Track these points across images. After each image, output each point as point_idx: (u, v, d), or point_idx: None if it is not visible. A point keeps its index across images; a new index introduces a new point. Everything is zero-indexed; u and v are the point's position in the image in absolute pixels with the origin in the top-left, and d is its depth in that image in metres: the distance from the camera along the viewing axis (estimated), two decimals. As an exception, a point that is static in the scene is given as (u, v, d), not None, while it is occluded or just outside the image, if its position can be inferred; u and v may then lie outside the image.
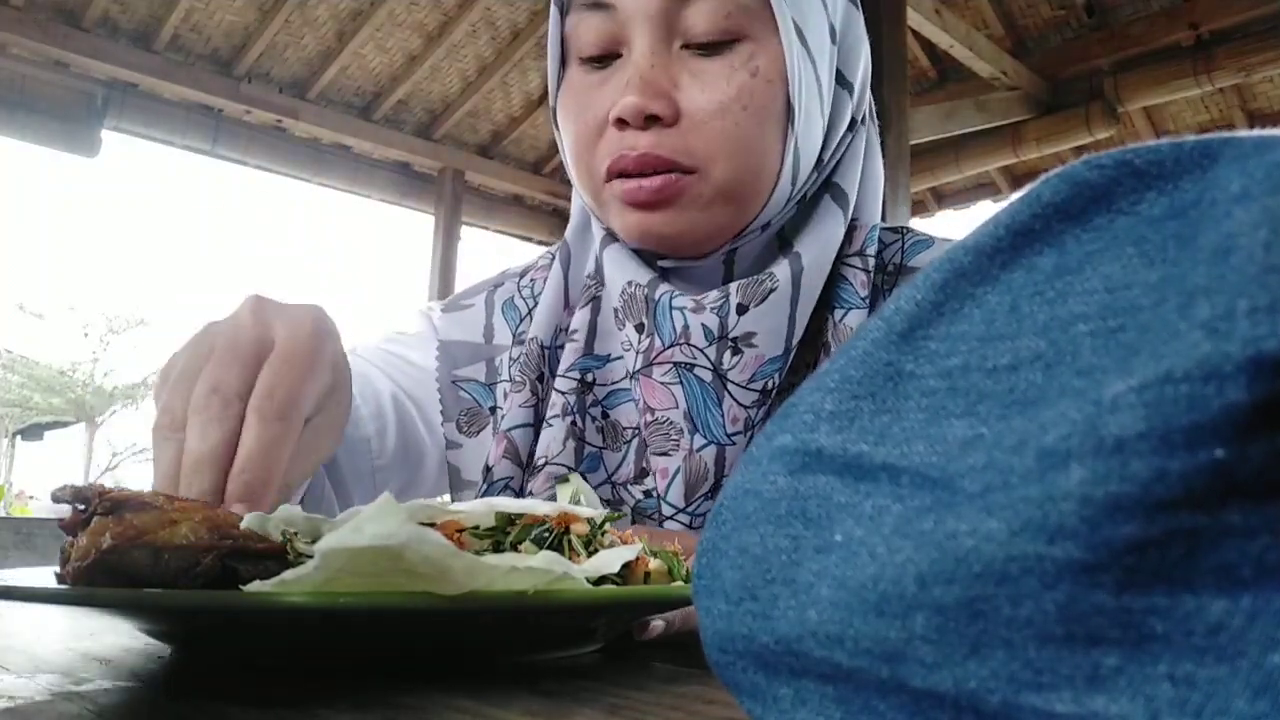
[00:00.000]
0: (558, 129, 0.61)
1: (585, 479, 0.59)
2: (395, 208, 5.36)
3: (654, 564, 0.38)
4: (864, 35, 0.62)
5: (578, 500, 0.51)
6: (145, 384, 15.04)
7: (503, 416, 0.62)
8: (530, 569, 0.30)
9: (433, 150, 5.00)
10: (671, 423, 0.57)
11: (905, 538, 0.15)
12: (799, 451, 0.19)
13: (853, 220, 0.62)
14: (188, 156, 4.78)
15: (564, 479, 0.57)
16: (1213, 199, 0.15)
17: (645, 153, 0.54)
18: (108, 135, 4.23)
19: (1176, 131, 4.13)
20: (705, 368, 0.57)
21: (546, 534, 0.37)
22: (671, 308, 0.57)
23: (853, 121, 0.62)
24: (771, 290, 0.57)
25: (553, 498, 0.56)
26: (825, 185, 0.61)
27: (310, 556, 0.30)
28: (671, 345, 0.57)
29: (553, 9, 0.61)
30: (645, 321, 0.58)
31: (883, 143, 0.69)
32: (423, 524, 0.33)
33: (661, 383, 0.57)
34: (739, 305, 0.56)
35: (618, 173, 0.56)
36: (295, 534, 0.34)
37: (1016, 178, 4.81)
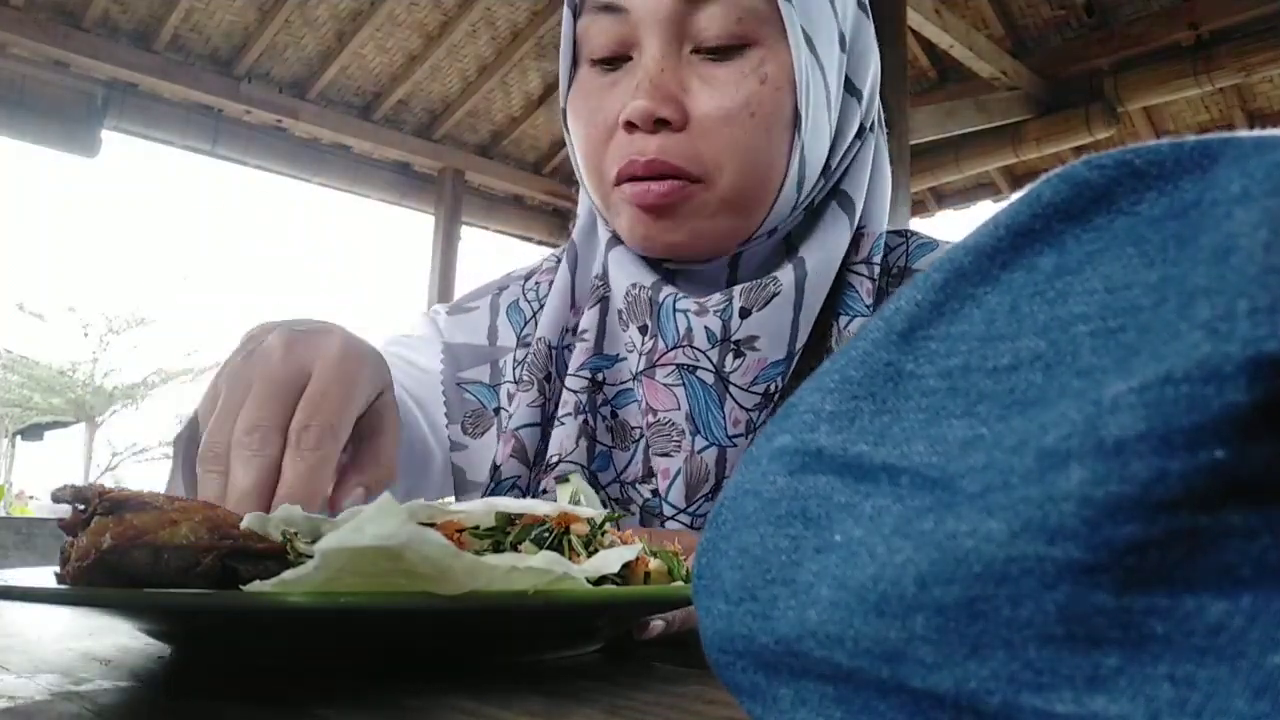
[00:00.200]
0: (568, 129, 0.62)
1: (596, 478, 0.59)
2: (395, 208, 5.36)
3: (654, 564, 0.38)
4: (874, 43, 0.63)
5: (577, 500, 0.51)
6: (145, 384, 15.05)
7: (510, 416, 0.62)
8: (530, 569, 0.30)
9: (433, 150, 5.00)
10: (673, 424, 0.57)
11: (905, 538, 0.15)
12: (799, 452, 0.19)
13: (860, 227, 0.62)
14: (188, 156, 4.78)
15: (564, 479, 0.57)
16: (1213, 199, 0.15)
17: (654, 158, 0.54)
18: (108, 135, 4.23)
19: (1176, 131, 4.13)
20: (707, 370, 0.57)
21: (546, 534, 0.37)
22: (675, 310, 0.58)
23: (861, 129, 0.62)
24: (775, 294, 0.57)
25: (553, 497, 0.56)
26: (833, 192, 0.61)
27: (310, 556, 0.30)
28: (674, 347, 0.57)
29: (565, 9, 0.61)
30: (649, 323, 0.59)
31: (883, 144, 0.69)
32: (423, 524, 0.33)
33: (664, 384, 0.58)
34: (742, 309, 0.57)
35: (627, 177, 0.56)
36: (295, 534, 0.34)
37: (1016, 178, 4.81)
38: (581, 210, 0.67)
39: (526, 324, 0.67)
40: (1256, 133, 0.15)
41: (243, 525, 0.32)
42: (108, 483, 1.01)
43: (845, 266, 0.61)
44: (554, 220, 5.61)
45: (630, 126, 0.55)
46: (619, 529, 0.40)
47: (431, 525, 0.35)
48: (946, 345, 0.18)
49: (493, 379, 0.66)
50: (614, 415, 0.61)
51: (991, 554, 0.14)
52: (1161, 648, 0.13)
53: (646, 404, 0.58)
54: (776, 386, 0.57)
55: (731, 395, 0.57)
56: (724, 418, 0.57)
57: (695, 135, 0.55)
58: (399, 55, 4.49)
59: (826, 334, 0.60)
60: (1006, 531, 0.14)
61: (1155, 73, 3.90)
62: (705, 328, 0.57)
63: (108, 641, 0.39)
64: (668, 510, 0.57)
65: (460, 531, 0.36)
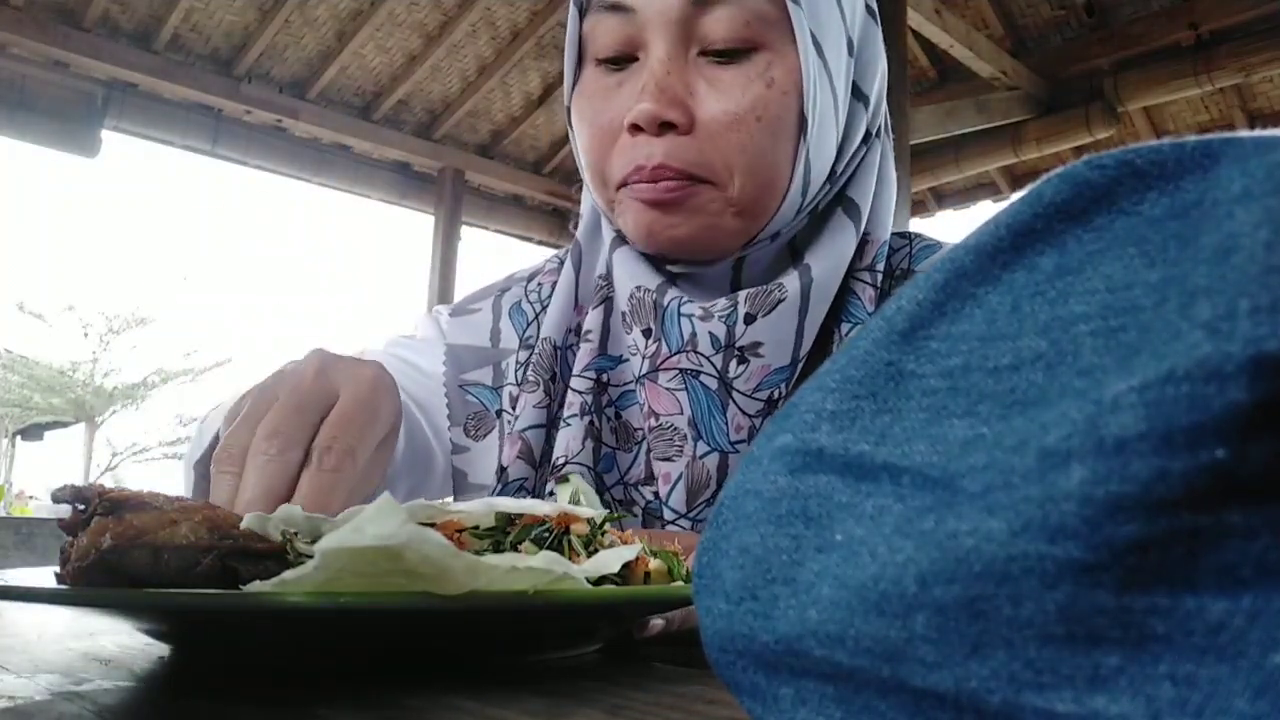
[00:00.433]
0: (572, 129, 0.61)
1: (602, 479, 0.59)
2: (395, 208, 5.36)
3: (654, 564, 0.38)
4: (881, 49, 0.62)
5: (577, 500, 0.51)
6: (145, 384, 15.05)
7: (515, 418, 0.62)
8: (530, 569, 0.30)
9: (433, 150, 5.00)
10: (675, 429, 0.57)
11: (906, 537, 0.15)
12: (800, 451, 0.19)
13: (865, 234, 0.61)
14: (188, 156, 4.78)
15: (564, 479, 0.57)
16: (1214, 199, 0.15)
17: (660, 164, 0.54)
18: (108, 135, 4.23)
19: (1177, 131, 4.13)
20: (711, 375, 0.57)
21: (546, 534, 0.37)
22: (680, 315, 0.57)
23: (867, 135, 0.62)
24: (780, 301, 0.57)
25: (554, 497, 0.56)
26: (838, 198, 0.61)
27: (310, 556, 0.30)
28: (678, 352, 0.57)
29: (571, 8, 0.61)
30: (653, 326, 0.58)
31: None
32: (423, 524, 0.33)
33: (667, 388, 0.57)
34: (747, 315, 0.56)
35: (632, 181, 0.56)
36: (295, 534, 0.34)
37: (1016, 178, 4.81)
38: (585, 209, 0.67)
39: (529, 325, 0.67)
40: (1257, 133, 0.15)
41: (243, 525, 0.32)
42: (108, 483, 1.01)
43: (849, 274, 0.60)
44: (554, 220, 5.61)
45: (635, 129, 0.55)
46: (621, 529, 0.40)
47: (431, 525, 0.35)
48: (948, 345, 0.18)
49: (495, 381, 0.66)
50: (618, 416, 0.61)
51: (992, 553, 0.14)
52: (1162, 647, 0.13)
53: (649, 408, 0.58)
54: (780, 393, 0.57)
55: (734, 401, 0.57)
56: (726, 424, 0.57)
57: (701, 138, 0.55)
58: (399, 55, 4.49)
59: (829, 341, 0.59)
60: (1007, 531, 0.14)
61: (1155, 73, 3.90)
62: (710, 333, 0.57)
63: (108, 641, 0.39)
64: (668, 515, 0.57)
65: (460, 531, 0.36)
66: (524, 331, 0.67)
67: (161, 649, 0.37)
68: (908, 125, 3.16)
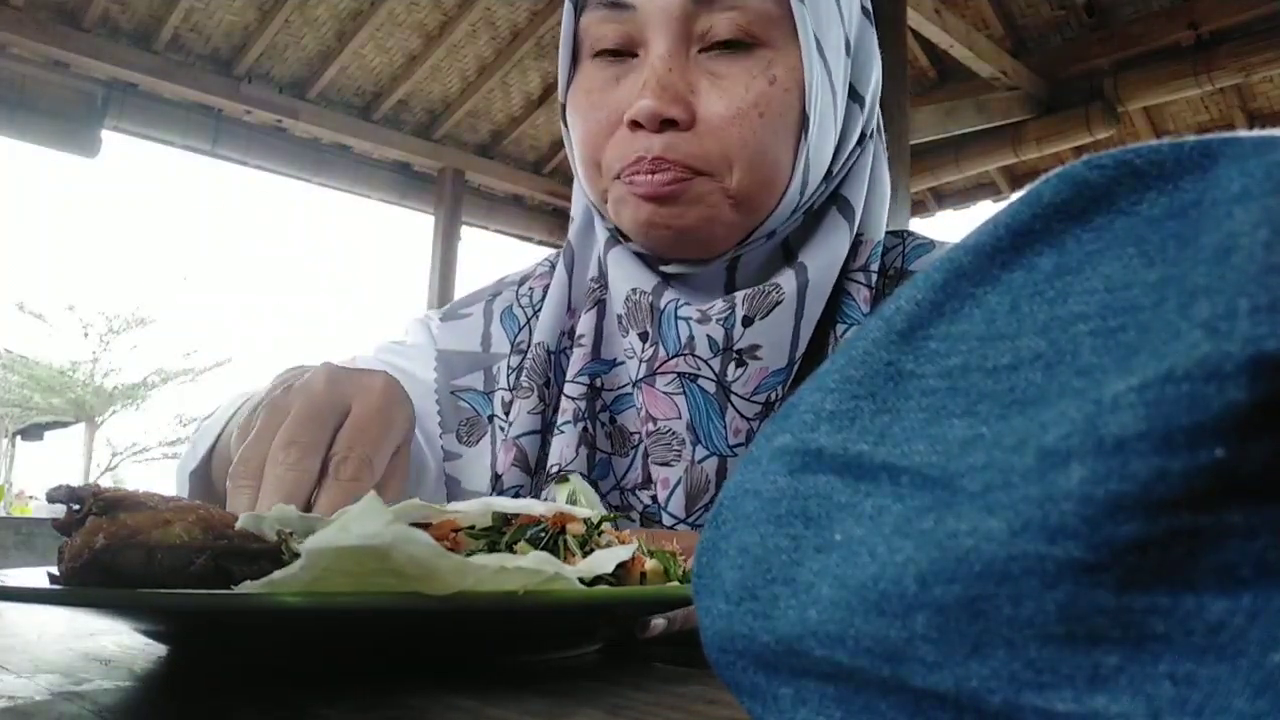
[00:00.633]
0: (566, 125, 0.61)
1: (597, 485, 0.59)
2: (395, 208, 5.36)
3: (650, 564, 0.38)
4: (876, 50, 0.62)
5: (575, 500, 0.51)
6: (145, 384, 15.05)
7: (510, 424, 0.62)
8: (520, 569, 0.30)
9: (433, 150, 5.00)
10: (674, 433, 0.57)
11: (906, 537, 0.15)
12: (799, 451, 0.19)
13: (858, 235, 0.61)
14: (188, 156, 4.79)
15: (563, 479, 0.57)
16: (1213, 199, 0.15)
17: (660, 157, 0.54)
18: (108, 135, 4.23)
19: (1176, 131, 4.13)
20: (709, 379, 0.57)
21: (542, 534, 0.37)
22: (677, 317, 0.57)
23: (862, 135, 0.62)
24: (777, 302, 0.56)
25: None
26: (832, 198, 0.61)
27: (306, 556, 0.30)
28: (676, 355, 0.57)
29: (566, 5, 0.60)
30: (649, 330, 0.58)
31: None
32: (418, 524, 0.33)
33: (664, 392, 0.57)
34: (744, 317, 0.56)
35: (630, 173, 0.55)
36: (290, 534, 0.34)
37: (1016, 178, 4.81)
38: (576, 210, 0.67)
39: (520, 330, 0.67)
40: (1256, 133, 0.15)
41: (237, 525, 0.32)
42: (107, 483, 1.01)
43: (844, 274, 0.60)
44: (554, 220, 5.61)
45: (635, 125, 0.55)
46: (618, 530, 0.40)
47: (427, 525, 0.35)
48: (947, 345, 0.18)
49: (486, 386, 0.65)
50: (613, 421, 0.61)
51: (992, 553, 0.14)
52: (1162, 646, 0.13)
53: (646, 412, 0.58)
54: (777, 395, 0.57)
55: (733, 405, 0.56)
56: (725, 427, 0.56)
57: (703, 134, 0.54)
58: (399, 55, 4.49)
59: (825, 343, 0.59)
60: (1007, 530, 0.14)
61: (1155, 73, 3.90)
62: (707, 336, 0.56)
63: (108, 641, 0.39)
64: (667, 520, 0.57)
65: (456, 531, 0.35)
66: (515, 336, 0.67)
67: (161, 649, 0.37)
68: (908, 125, 3.16)
